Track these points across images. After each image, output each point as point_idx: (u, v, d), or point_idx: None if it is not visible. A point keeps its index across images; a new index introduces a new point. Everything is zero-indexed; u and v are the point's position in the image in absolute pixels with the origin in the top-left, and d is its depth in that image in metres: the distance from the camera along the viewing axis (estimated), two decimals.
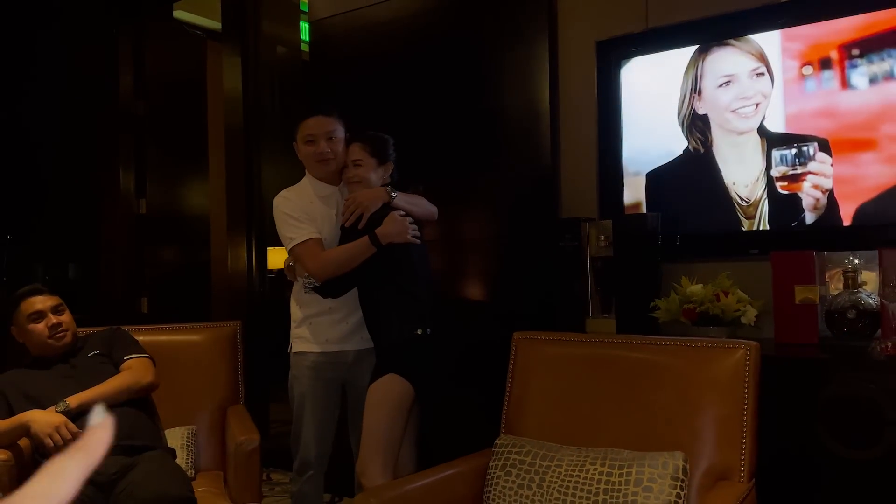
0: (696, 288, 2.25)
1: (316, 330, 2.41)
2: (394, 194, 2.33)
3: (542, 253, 2.69)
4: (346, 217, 2.28)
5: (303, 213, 2.37)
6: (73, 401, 2.12)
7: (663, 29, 2.56)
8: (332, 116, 2.40)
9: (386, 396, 2.18)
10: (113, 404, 2.17)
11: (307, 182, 2.47)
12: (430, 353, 2.26)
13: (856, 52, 2.22)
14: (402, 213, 2.32)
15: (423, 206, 2.44)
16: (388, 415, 2.17)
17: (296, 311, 2.47)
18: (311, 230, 2.34)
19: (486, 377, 2.31)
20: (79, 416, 2.10)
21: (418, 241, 2.34)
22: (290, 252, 2.38)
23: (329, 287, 2.32)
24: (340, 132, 2.41)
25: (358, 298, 2.37)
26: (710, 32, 2.47)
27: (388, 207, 2.30)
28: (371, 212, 2.26)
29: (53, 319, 2.31)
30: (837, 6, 2.25)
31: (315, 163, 2.40)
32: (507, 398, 2.04)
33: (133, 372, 2.29)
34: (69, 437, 2.00)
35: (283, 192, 2.48)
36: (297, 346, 2.45)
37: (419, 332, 2.24)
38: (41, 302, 2.31)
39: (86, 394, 2.16)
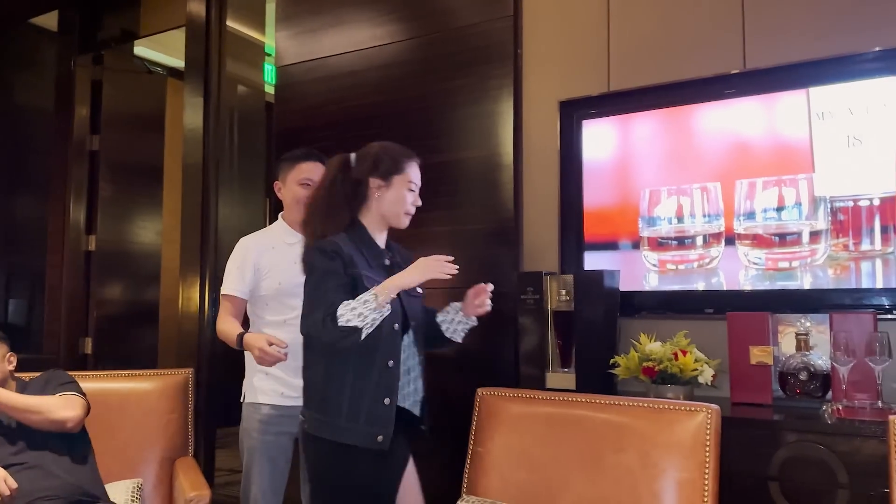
0: (655, 346, 2.29)
1: (272, 380, 2.35)
2: None
3: (503, 306, 2.69)
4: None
5: (250, 265, 2.37)
6: None
7: (623, 93, 2.65)
8: (323, 165, 2.41)
9: None
10: (39, 446, 2.09)
11: (279, 227, 2.47)
12: None
13: None
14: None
15: None
16: None
17: (251, 360, 2.40)
18: (240, 287, 2.36)
19: (448, 433, 2.28)
20: None
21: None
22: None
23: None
24: None
25: None
26: (669, 98, 2.57)
27: None
28: None
29: None
30: None
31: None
32: (469, 457, 2.02)
33: (54, 400, 2.16)
34: None
35: (247, 238, 2.48)
36: (250, 396, 2.38)
37: None
38: None
39: None
